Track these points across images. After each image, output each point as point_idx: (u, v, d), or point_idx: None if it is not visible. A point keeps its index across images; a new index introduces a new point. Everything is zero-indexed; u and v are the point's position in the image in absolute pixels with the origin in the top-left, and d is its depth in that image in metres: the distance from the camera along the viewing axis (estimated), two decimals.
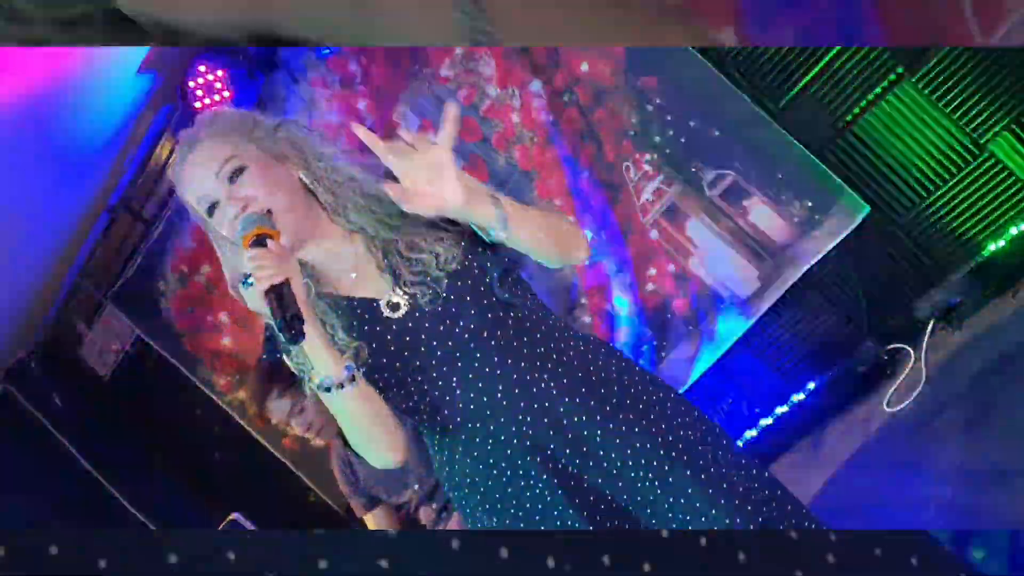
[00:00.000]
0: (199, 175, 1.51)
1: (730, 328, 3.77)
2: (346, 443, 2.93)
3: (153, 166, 4.37)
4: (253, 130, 1.55)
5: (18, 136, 3.45)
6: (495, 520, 1.56)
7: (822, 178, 3.50)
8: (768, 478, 1.61)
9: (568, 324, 1.67)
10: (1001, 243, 3.37)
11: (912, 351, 3.60)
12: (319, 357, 1.47)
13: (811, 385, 3.81)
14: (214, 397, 4.53)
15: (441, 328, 1.51)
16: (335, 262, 1.57)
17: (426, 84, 3.84)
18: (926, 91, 3.34)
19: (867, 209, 3.49)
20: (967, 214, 3.43)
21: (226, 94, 3.83)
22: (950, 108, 3.34)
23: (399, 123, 3.93)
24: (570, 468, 1.51)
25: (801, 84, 3.48)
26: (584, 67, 3.64)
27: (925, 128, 3.39)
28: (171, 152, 4.33)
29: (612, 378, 1.57)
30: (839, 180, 3.49)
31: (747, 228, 3.67)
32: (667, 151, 3.65)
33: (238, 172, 1.49)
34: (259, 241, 1.42)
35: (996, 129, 3.32)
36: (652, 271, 3.79)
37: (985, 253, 3.39)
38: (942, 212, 3.47)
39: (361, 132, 1.47)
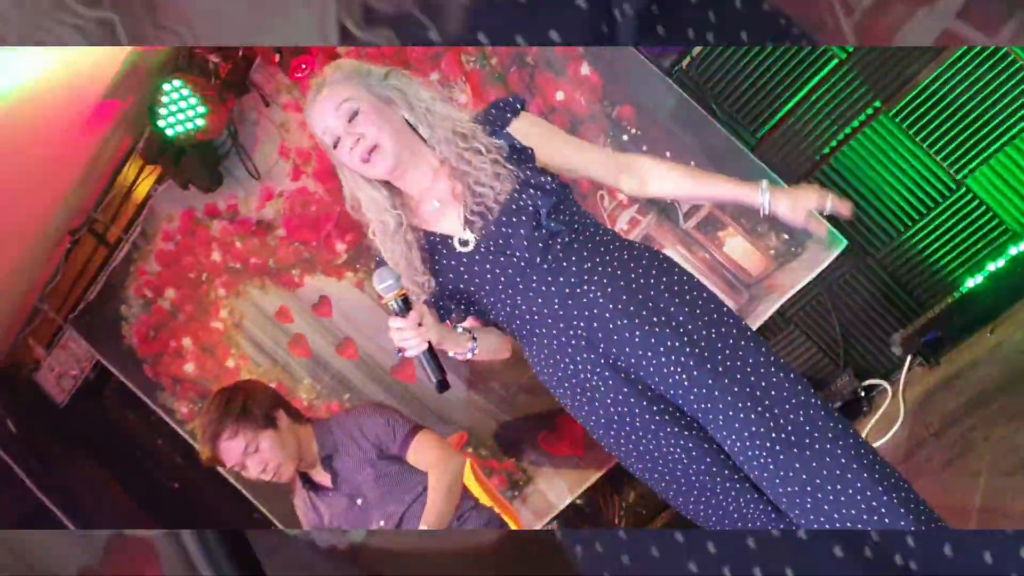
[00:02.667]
0: (324, 113, 1.86)
1: None
2: (305, 482, 2.83)
3: (119, 188, 4.26)
4: (367, 78, 1.89)
5: None
6: (571, 400, 1.93)
7: None
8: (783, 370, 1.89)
9: (617, 235, 1.98)
10: (979, 279, 3.34)
11: (889, 387, 3.56)
12: (451, 346, 1.93)
13: None
14: (174, 425, 4.39)
15: (502, 259, 1.87)
16: (427, 193, 1.94)
17: None
18: (904, 125, 3.33)
19: (844, 243, 3.45)
20: (944, 249, 3.41)
21: (198, 118, 3.73)
22: (927, 143, 3.33)
23: None
24: (618, 362, 1.84)
25: (778, 116, 3.46)
26: (560, 96, 3.60)
27: (902, 163, 3.37)
28: (136, 176, 4.23)
29: (651, 283, 1.87)
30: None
31: (723, 259, 3.62)
32: None
33: (354, 113, 1.85)
34: (402, 303, 1.79)
35: (973, 165, 3.31)
36: None
37: (963, 289, 3.36)
38: (920, 247, 3.45)
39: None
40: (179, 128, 3.74)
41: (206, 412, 2.78)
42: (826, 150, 3.44)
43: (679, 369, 1.80)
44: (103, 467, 4.64)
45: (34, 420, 4.70)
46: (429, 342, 1.80)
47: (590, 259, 1.88)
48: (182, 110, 3.71)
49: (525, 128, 1.95)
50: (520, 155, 1.91)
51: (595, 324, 1.84)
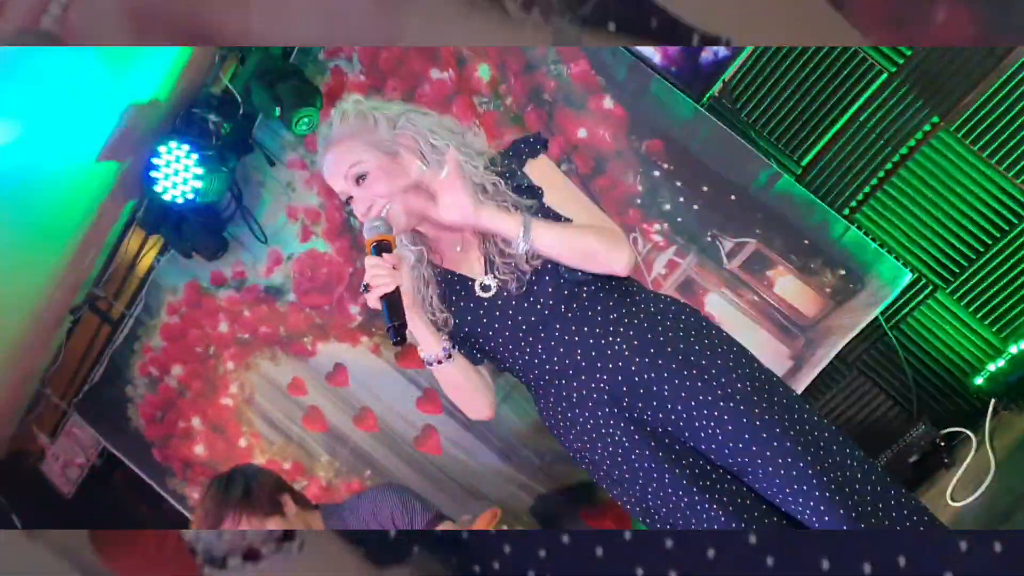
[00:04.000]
0: (333, 174, 1.84)
1: None
2: None
3: (121, 261, 4.02)
4: (375, 131, 1.81)
5: None
6: (587, 454, 1.82)
7: (856, 243, 3.12)
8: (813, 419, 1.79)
9: (643, 287, 1.87)
10: None
11: (973, 435, 3.15)
12: (423, 338, 1.81)
13: None
14: (186, 513, 4.06)
15: (525, 305, 1.78)
16: (445, 233, 1.86)
17: None
18: (967, 141, 2.99)
19: (908, 275, 3.10)
20: None
21: (196, 181, 3.49)
22: (995, 159, 2.98)
23: None
24: (643, 416, 1.74)
25: (825, 139, 3.13)
26: (582, 132, 3.32)
27: (969, 182, 3.02)
28: (139, 248, 3.99)
29: (680, 335, 1.77)
30: (875, 245, 3.11)
31: (773, 301, 3.27)
32: (678, 219, 3.28)
33: (362, 176, 1.80)
34: (377, 248, 1.73)
35: None
36: None
37: None
38: (995, 275, 3.07)
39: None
40: (178, 193, 3.50)
41: (203, 499, 2.53)
42: (881, 173, 3.10)
43: (713, 424, 1.72)
44: None
45: (40, 513, 4.41)
46: (397, 288, 1.73)
47: (616, 310, 1.80)
48: (180, 173, 3.47)
49: (540, 170, 1.87)
50: (532, 194, 1.83)
51: (619, 377, 1.76)
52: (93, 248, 3.93)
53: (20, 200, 3.32)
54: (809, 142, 3.15)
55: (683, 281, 3.32)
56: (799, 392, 3.25)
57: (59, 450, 4.29)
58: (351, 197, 1.84)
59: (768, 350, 3.29)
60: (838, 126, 3.11)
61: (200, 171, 3.46)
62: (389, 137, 1.82)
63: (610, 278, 1.82)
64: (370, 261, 1.73)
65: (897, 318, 3.21)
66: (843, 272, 3.16)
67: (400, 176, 1.81)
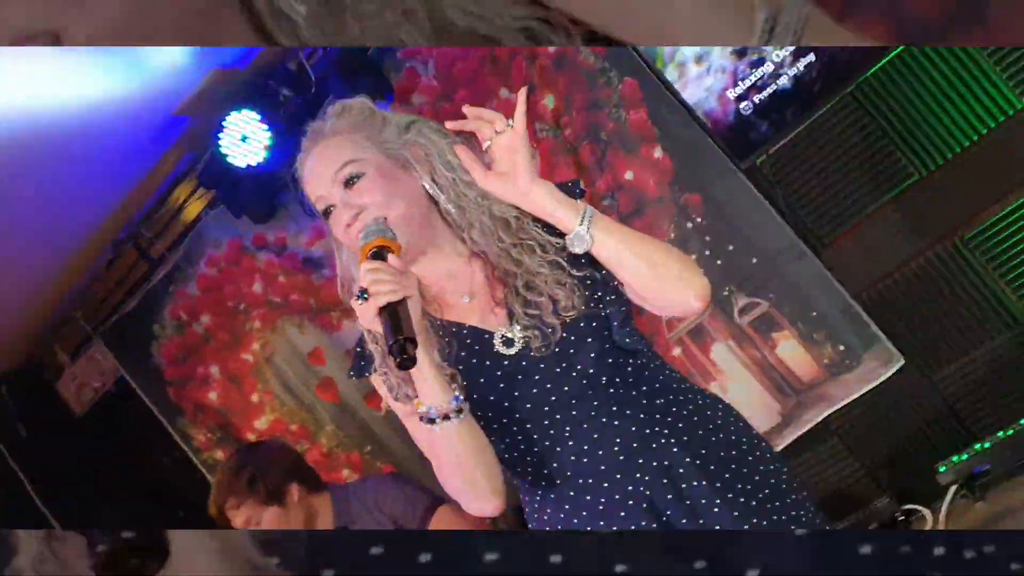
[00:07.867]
0: (317, 175, 1.47)
1: None
2: None
3: (169, 206, 4.23)
4: (381, 130, 1.49)
5: (43, 150, 3.32)
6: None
7: (858, 324, 3.38)
8: None
9: (684, 376, 1.56)
10: None
11: (929, 514, 3.43)
12: (425, 384, 1.38)
13: None
14: (190, 453, 4.29)
15: (557, 371, 1.42)
16: (450, 282, 1.50)
17: None
18: (975, 253, 3.26)
19: (901, 361, 3.37)
20: (1007, 381, 3.31)
21: (264, 150, 3.69)
22: (1000, 272, 3.25)
23: None
24: (671, 522, 1.40)
25: (849, 225, 3.39)
26: (629, 175, 3.56)
27: (973, 292, 3.29)
28: (188, 196, 4.19)
29: (732, 440, 1.47)
30: (875, 328, 3.38)
31: (774, 361, 3.53)
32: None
33: (355, 178, 1.44)
34: (378, 254, 1.37)
35: None
36: None
37: (1021, 423, 3.25)
38: (979, 374, 3.35)
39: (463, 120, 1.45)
40: (243, 158, 3.70)
41: (219, 473, 2.88)
42: (904, 271, 3.35)
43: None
44: (108, 485, 4.53)
45: (46, 427, 4.62)
46: (404, 300, 1.32)
47: (664, 394, 1.45)
48: (248, 139, 3.68)
49: None
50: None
51: (664, 480, 1.40)
52: (147, 190, 4.13)
53: (94, 134, 3.52)
54: (836, 225, 3.40)
55: (695, 328, 3.58)
56: (785, 445, 3.52)
57: (77, 371, 4.50)
58: (332, 206, 1.45)
59: (761, 404, 3.56)
60: (866, 213, 3.35)
61: (267, 142, 3.67)
62: (397, 141, 1.49)
63: (655, 356, 1.52)
64: (369, 264, 1.34)
65: (884, 398, 3.48)
66: (842, 348, 3.42)
67: (402, 189, 1.45)
